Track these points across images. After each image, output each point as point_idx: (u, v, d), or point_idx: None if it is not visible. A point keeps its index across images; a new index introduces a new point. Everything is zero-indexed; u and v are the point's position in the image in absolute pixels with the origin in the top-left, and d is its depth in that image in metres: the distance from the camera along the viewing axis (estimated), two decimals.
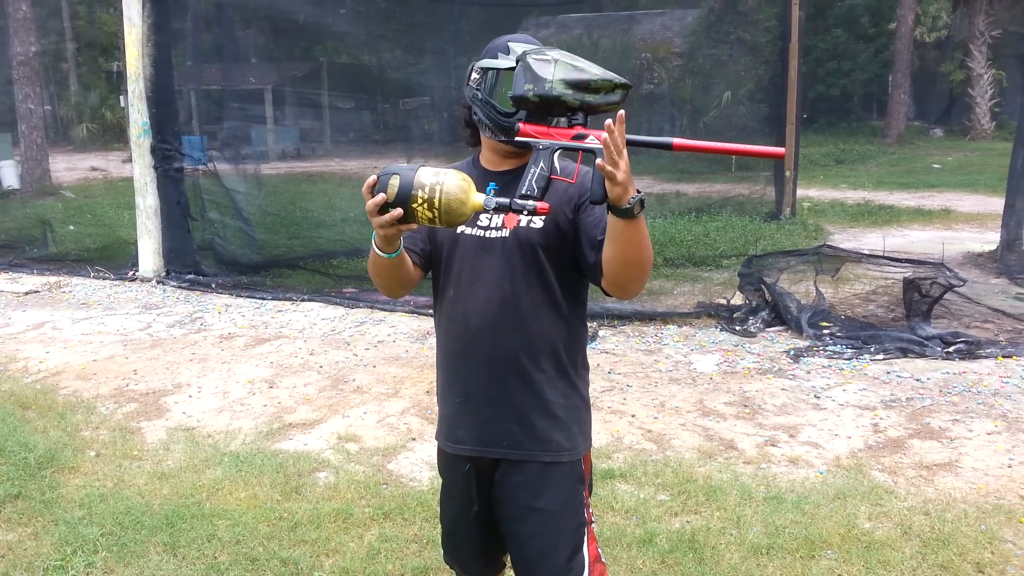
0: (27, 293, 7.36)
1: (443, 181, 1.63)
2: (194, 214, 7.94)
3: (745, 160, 12.56)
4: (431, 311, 2.21)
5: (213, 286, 7.44)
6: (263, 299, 7.02)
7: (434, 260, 1.98)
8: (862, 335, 5.40)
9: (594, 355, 5.31)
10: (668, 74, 17.48)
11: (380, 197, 1.63)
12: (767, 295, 6.06)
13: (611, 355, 5.31)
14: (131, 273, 7.88)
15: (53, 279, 7.91)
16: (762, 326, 5.88)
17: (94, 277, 7.99)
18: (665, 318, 6.11)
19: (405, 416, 4.35)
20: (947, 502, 3.31)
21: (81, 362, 5.36)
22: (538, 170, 1.68)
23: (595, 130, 1.69)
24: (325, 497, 3.44)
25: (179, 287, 7.52)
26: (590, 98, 1.67)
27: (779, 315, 5.93)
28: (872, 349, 5.20)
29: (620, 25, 17.60)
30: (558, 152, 1.70)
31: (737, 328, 5.85)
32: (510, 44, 1.82)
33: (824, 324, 5.71)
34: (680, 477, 3.57)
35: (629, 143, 1.62)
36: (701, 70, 17.43)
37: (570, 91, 1.66)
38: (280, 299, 7.00)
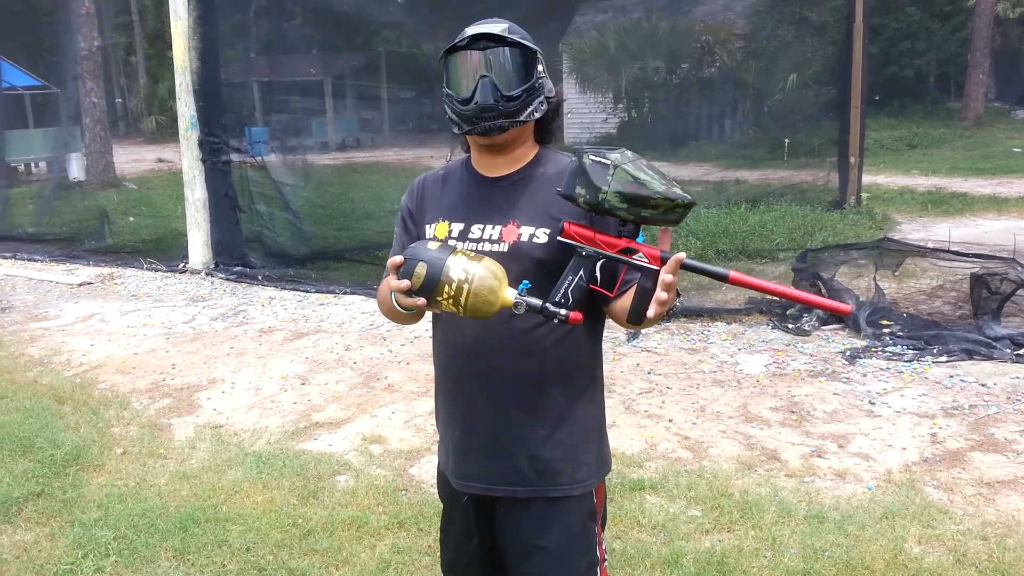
0: (80, 285, 7.51)
1: (473, 277, 1.50)
2: (243, 206, 7.98)
3: (808, 144, 12.08)
4: None
5: (260, 278, 7.47)
6: (306, 292, 7.01)
7: None
8: (925, 335, 5.05)
9: (634, 354, 5.10)
10: (730, 57, 16.97)
11: (405, 284, 1.51)
12: (823, 291, 5.74)
13: (652, 354, 5.09)
14: (182, 265, 7.98)
15: (107, 271, 8.07)
16: (817, 324, 5.56)
17: (147, 269, 8.11)
18: (713, 314, 5.84)
19: (432, 417, 4.22)
20: (1009, 526, 3.02)
21: (123, 355, 5.40)
22: (576, 279, 1.56)
23: (646, 246, 1.55)
24: (342, 503, 3.34)
25: (227, 279, 7.57)
26: (646, 213, 1.51)
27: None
28: (935, 350, 4.86)
29: (680, 7, 17.10)
30: (600, 262, 1.57)
31: (790, 326, 5.55)
32: (466, 29, 1.66)
33: (884, 322, 5.37)
34: (715, 490, 3.35)
35: (687, 266, 1.50)
36: (765, 52, 16.85)
37: (624, 205, 1.50)
38: (323, 292, 6.97)
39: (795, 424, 4.03)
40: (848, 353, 4.97)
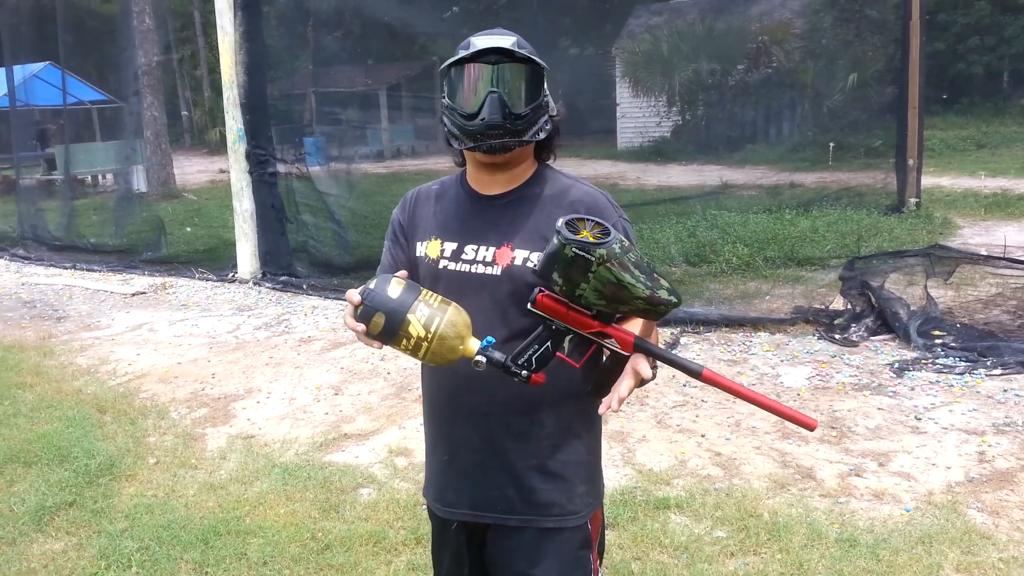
0: (134, 294, 7.73)
1: (435, 334, 1.44)
2: (290, 216, 8.11)
3: (866, 146, 11.70)
4: None
5: (305, 287, 7.57)
6: None
7: None
8: (979, 346, 4.81)
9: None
10: (787, 57, 16.59)
11: (360, 328, 1.47)
12: (873, 300, 5.52)
13: None
14: (231, 275, 8.14)
15: (160, 280, 8.29)
16: (866, 334, 5.35)
17: (198, 278, 8.31)
18: (756, 324, 5.67)
19: None
20: None
21: (166, 364, 5.53)
22: (543, 349, 1.50)
23: (619, 329, 1.49)
24: (362, 517, 3.33)
25: (273, 288, 7.69)
26: (623, 308, 1.45)
27: (886, 322, 5.38)
28: (989, 362, 4.61)
29: (736, 7, 16.81)
30: (569, 337, 1.51)
31: (837, 336, 5.35)
32: (471, 38, 1.60)
33: (936, 333, 5.13)
34: (743, 510, 3.23)
35: (656, 357, 1.48)
36: (824, 51, 16.42)
37: (603, 302, 1.43)
38: None
39: (834, 440, 3.87)
40: (896, 365, 4.76)
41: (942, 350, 4.90)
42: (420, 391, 4.74)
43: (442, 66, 1.63)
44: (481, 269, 1.64)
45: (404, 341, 1.45)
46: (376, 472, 3.75)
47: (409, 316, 1.44)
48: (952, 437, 3.81)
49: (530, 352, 1.50)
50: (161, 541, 3.17)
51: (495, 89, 1.56)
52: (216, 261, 8.75)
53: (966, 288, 6.02)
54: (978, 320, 5.34)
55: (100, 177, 16.17)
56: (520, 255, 1.62)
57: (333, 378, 5.09)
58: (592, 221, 1.43)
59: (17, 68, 12.05)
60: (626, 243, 1.41)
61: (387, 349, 1.51)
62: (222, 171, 19.50)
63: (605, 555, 2.92)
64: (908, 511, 3.18)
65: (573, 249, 1.38)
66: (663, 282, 1.44)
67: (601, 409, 1.50)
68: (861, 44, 15.45)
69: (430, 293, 1.51)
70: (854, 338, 5.31)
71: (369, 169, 15.26)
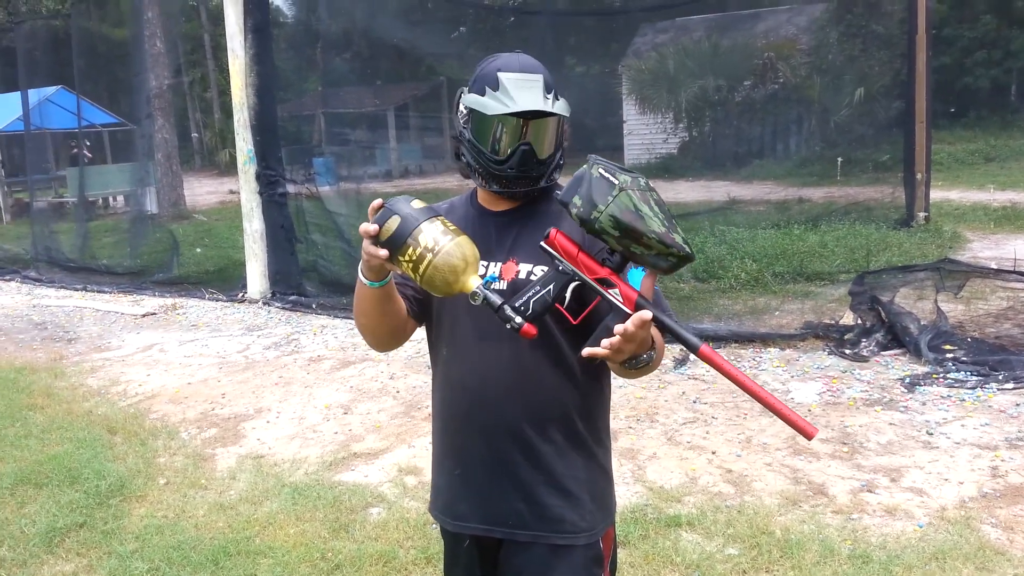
0: (144, 315, 7.77)
1: (439, 251, 1.44)
2: (299, 236, 8.15)
3: (874, 160, 11.68)
4: None
5: (314, 306, 7.59)
6: None
7: (426, 310, 1.77)
8: (991, 360, 4.78)
9: (680, 382, 4.97)
10: (793, 72, 16.63)
11: (373, 228, 1.46)
12: (883, 314, 5.50)
13: (699, 382, 4.95)
14: (240, 295, 8.18)
15: (171, 301, 8.33)
16: (876, 349, 5.33)
17: (208, 299, 8.35)
18: (766, 340, 5.66)
19: None
20: None
21: (176, 385, 5.54)
22: (543, 292, 1.48)
23: (626, 284, 1.47)
24: (372, 536, 3.32)
25: (283, 308, 7.72)
26: (636, 250, 1.44)
27: (896, 337, 5.36)
28: (1001, 376, 4.58)
29: (742, 24, 16.90)
30: (574, 284, 1.49)
31: (847, 352, 5.33)
32: (500, 76, 1.57)
33: (948, 347, 5.10)
34: (755, 528, 3.21)
35: (657, 324, 1.44)
36: (830, 67, 16.46)
37: (616, 232, 1.42)
38: None
39: (846, 456, 3.84)
40: (907, 380, 4.74)
41: (953, 364, 4.87)
42: (430, 409, 4.74)
43: (465, 100, 1.61)
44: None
45: (411, 250, 1.44)
46: (386, 491, 3.75)
47: (423, 225, 1.45)
48: (965, 452, 3.78)
49: (529, 295, 1.48)
50: (171, 562, 3.17)
51: (527, 143, 1.57)
52: (226, 281, 8.80)
53: (976, 302, 5.99)
54: (989, 334, 5.31)
55: (111, 199, 16.32)
56: (524, 269, 1.62)
57: (343, 397, 5.10)
58: (623, 169, 1.46)
59: (31, 92, 12.21)
60: (651, 185, 1.44)
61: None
62: (231, 192, 19.66)
63: (617, 574, 2.91)
64: (921, 527, 3.15)
65: (599, 170, 1.42)
66: (680, 232, 1.44)
67: (584, 351, 1.46)
68: (867, 59, 15.48)
69: (446, 220, 1.50)
70: (864, 353, 5.29)
71: (378, 188, 15.33)
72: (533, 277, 1.60)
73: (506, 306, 1.47)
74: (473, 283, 1.47)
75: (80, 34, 11.95)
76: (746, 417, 4.38)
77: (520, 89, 1.55)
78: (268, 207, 7.88)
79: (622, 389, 4.92)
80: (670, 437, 4.18)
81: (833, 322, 5.69)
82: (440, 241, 1.44)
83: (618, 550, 3.09)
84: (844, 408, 4.44)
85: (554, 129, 1.60)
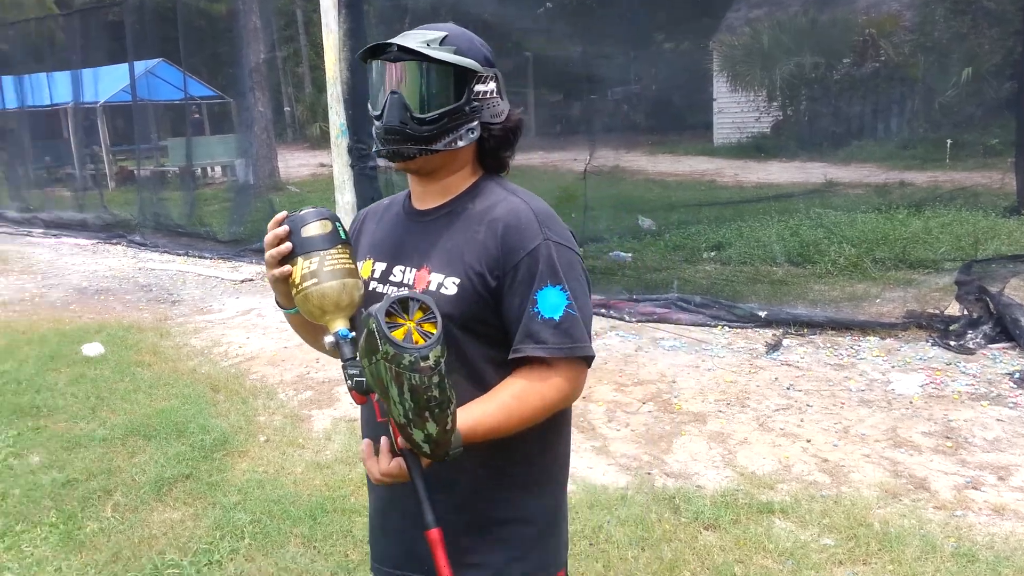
0: (243, 281, 8.06)
1: (308, 287, 1.37)
2: None
3: (982, 144, 11.09)
4: None
5: None
6: None
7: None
8: None
9: (773, 367, 4.86)
10: (896, 51, 15.90)
11: (283, 230, 1.40)
12: (992, 306, 5.24)
13: (793, 368, 4.83)
14: None
15: None
16: (983, 342, 5.09)
17: None
18: (865, 328, 5.47)
19: None
20: None
21: (274, 348, 5.74)
22: (365, 380, 1.33)
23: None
24: None
25: None
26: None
27: (1005, 330, 5.10)
28: None
29: (841, 0, 16.21)
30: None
31: (952, 343, 5.11)
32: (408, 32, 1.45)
33: None
34: (852, 519, 3.13)
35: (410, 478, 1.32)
36: (936, 45, 15.67)
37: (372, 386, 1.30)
38: None
39: (950, 451, 3.69)
40: (1017, 375, 4.51)
41: None
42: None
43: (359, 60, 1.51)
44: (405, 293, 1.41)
45: (295, 272, 1.40)
46: None
47: (299, 258, 1.39)
48: None
49: (357, 372, 1.33)
50: (272, 515, 3.31)
51: (396, 91, 1.41)
52: None
53: None
54: None
55: (209, 169, 16.92)
56: (435, 280, 1.44)
57: None
58: (435, 316, 1.26)
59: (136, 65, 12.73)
60: (427, 362, 1.20)
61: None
62: (322, 165, 20.11)
63: (707, 556, 2.88)
64: None
65: (371, 324, 1.25)
66: (433, 428, 1.24)
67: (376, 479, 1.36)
68: (977, 37, 14.66)
69: (343, 253, 1.42)
70: (971, 345, 5.06)
71: None
72: (444, 291, 1.43)
73: (347, 365, 1.35)
74: (336, 327, 1.38)
75: (183, 9, 12.37)
76: (843, 407, 4.25)
77: (402, 36, 1.43)
78: (359, 180, 8.01)
79: (711, 372, 4.85)
80: (762, 423, 4.10)
81: (938, 312, 5.45)
82: (308, 280, 1.38)
83: (707, 532, 3.07)
84: (948, 401, 4.26)
85: (437, 81, 1.41)
